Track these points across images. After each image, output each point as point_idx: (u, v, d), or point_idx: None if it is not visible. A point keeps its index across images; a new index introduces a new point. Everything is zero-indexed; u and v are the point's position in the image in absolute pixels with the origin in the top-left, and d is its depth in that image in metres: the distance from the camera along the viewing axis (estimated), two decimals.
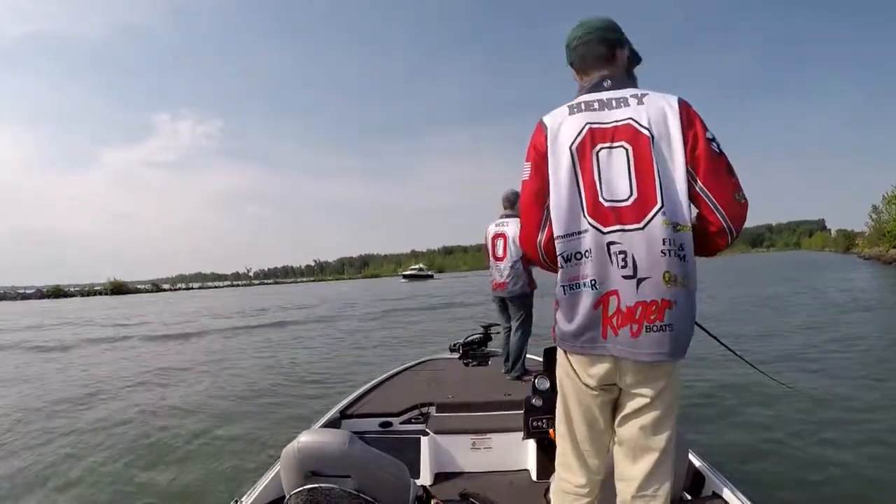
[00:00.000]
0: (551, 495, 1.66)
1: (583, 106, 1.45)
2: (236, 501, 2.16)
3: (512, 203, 4.24)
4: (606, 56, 1.52)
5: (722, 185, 1.35)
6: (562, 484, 1.58)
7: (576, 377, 1.45)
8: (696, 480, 2.30)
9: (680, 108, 1.38)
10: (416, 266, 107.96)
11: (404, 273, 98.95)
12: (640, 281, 1.30)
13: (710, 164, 1.35)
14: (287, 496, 1.78)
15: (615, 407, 1.49)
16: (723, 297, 17.83)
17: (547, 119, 1.48)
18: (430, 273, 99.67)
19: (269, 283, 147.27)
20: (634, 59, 1.59)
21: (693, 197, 1.35)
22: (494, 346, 5.28)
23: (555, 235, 1.38)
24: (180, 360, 10.71)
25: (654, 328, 1.29)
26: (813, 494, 3.33)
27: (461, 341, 5.24)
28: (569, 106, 1.47)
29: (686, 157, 1.35)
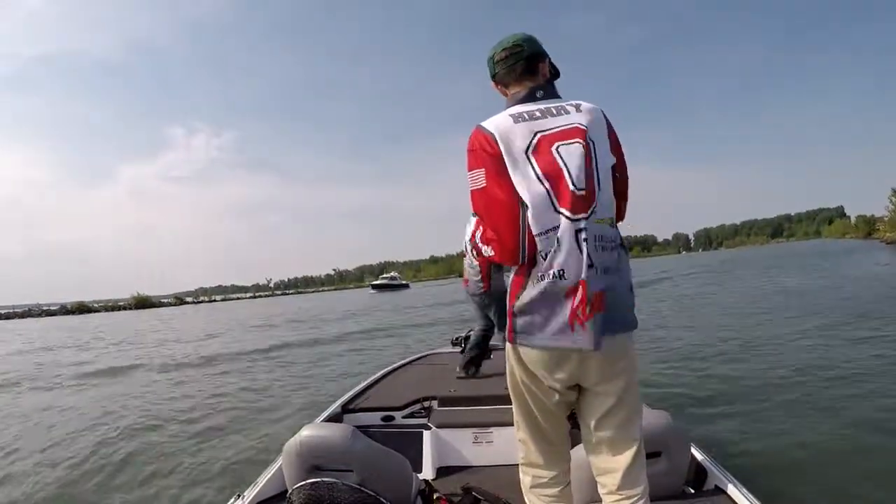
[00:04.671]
0: (528, 496, 1.67)
1: (525, 115, 1.47)
2: (239, 496, 2.21)
3: None
4: (531, 69, 1.56)
5: (627, 182, 1.57)
6: (536, 480, 1.63)
7: (539, 381, 1.48)
8: (698, 474, 2.31)
9: (605, 116, 1.53)
10: (388, 275, 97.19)
11: (374, 283, 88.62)
12: (600, 268, 1.36)
13: (624, 164, 1.55)
14: (289, 490, 1.82)
15: (578, 404, 1.56)
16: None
17: (489, 125, 1.48)
18: (404, 282, 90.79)
19: (291, 293, 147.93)
20: (555, 72, 1.61)
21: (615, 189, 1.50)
22: (496, 340, 5.29)
23: (534, 234, 1.38)
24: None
25: (612, 312, 1.37)
26: (818, 488, 3.25)
27: (463, 335, 5.23)
28: (510, 115, 1.48)
29: (612, 158, 1.50)
